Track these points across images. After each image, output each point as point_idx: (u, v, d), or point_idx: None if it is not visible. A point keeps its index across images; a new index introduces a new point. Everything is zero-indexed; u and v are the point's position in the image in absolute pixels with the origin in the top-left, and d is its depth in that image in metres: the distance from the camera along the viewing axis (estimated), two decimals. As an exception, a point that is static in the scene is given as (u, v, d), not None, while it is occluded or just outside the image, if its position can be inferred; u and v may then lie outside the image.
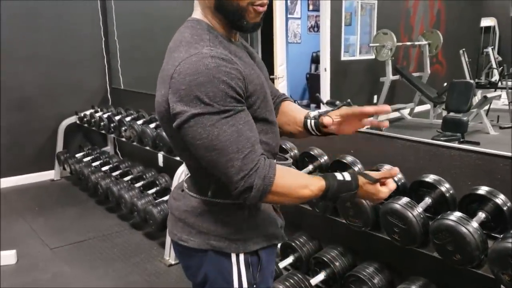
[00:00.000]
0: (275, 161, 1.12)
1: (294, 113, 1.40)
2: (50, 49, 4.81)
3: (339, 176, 1.16)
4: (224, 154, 1.04)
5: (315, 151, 2.44)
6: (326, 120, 1.31)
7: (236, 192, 1.07)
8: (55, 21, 4.81)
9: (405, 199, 1.85)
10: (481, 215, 1.74)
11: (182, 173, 2.96)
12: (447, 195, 1.89)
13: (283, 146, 2.58)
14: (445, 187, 1.91)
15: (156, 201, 3.36)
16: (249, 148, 1.05)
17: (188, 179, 1.30)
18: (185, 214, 1.25)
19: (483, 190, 1.78)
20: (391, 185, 1.18)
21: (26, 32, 4.66)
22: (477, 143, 4.69)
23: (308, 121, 1.36)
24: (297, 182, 1.12)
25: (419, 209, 1.82)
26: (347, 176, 1.16)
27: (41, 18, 4.72)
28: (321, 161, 2.41)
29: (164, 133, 1.25)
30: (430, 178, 1.95)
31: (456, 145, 2.08)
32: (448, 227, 1.65)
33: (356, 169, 2.20)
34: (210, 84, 1.02)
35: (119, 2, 4.95)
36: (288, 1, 8.09)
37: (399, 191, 2.02)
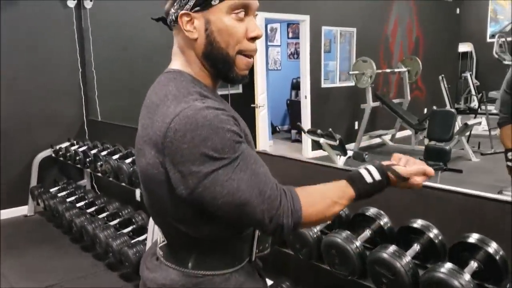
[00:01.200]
0: (294, 189, 1.03)
1: None
2: (26, 80, 4.67)
3: (367, 176, 1.09)
4: (249, 203, 0.95)
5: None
6: None
7: (269, 233, 1.02)
8: (31, 52, 4.68)
9: (392, 248, 1.76)
10: (473, 264, 1.66)
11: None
12: (436, 241, 1.81)
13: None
14: (433, 233, 1.82)
15: (132, 241, 3.22)
16: (269, 185, 0.98)
17: (164, 246, 1.16)
18: None
19: (473, 238, 1.70)
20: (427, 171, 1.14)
21: (1, 64, 4.52)
22: (460, 171, 4.66)
23: None
24: (325, 202, 1.05)
25: (408, 258, 1.72)
26: (375, 174, 1.09)
27: (17, 49, 4.59)
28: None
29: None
30: (418, 223, 1.86)
31: (443, 186, 2.01)
32: (440, 280, 1.56)
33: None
34: (216, 136, 0.92)
35: (97, 32, 4.86)
36: (268, 29, 8.11)
37: (386, 237, 1.94)
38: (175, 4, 1.05)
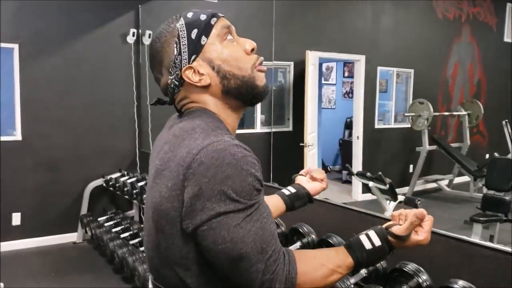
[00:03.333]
0: (292, 252, 0.98)
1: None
2: (83, 112, 4.89)
3: (366, 243, 1.04)
4: (248, 258, 0.90)
5: (304, 228, 2.39)
6: None
7: None
8: (90, 86, 4.91)
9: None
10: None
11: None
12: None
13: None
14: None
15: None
16: (273, 245, 0.93)
17: None
18: None
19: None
20: (426, 225, 1.07)
21: (61, 95, 4.77)
22: (521, 223, 4.36)
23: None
24: (322, 271, 1.00)
25: None
26: (375, 239, 1.04)
27: (77, 82, 4.83)
28: (308, 239, 2.36)
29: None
30: (460, 285, 1.71)
31: (491, 244, 1.86)
32: None
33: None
34: (238, 178, 0.89)
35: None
36: (324, 68, 8.10)
37: None
38: (170, 71, 1.05)
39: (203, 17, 1.04)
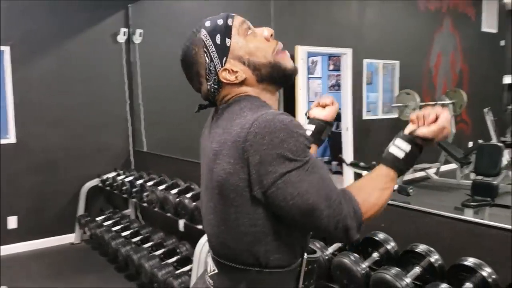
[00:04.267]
0: (348, 190, 1.09)
1: None
2: (77, 112, 4.89)
3: (399, 153, 1.15)
4: (317, 206, 1.01)
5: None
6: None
7: (335, 237, 1.07)
8: (83, 85, 4.91)
9: (444, 286, 1.72)
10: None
11: (204, 244, 2.86)
12: (490, 280, 1.76)
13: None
14: (486, 271, 1.78)
15: (177, 271, 3.25)
16: (334, 191, 1.04)
17: (214, 275, 1.19)
18: None
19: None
20: (442, 117, 1.15)
21: (54, 96, 4.76)
22: (508, 207, 4.51)
23: None
24: (375, 194, 1.11)
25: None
26: (405, 146, 1.15)
27: (70, 82, 4.83)
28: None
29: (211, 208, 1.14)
30: (470, 262, 1.82)
31: (495, 223, 1.95)
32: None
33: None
34: (292, 139, 1.00)
35: (145, 66, 5.05)
36: (309, 62, 8.19)
37: (436, 274, 1.89)
38: (208, 78, 1.15)
39: (220, 21, 1.14)
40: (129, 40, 5.14)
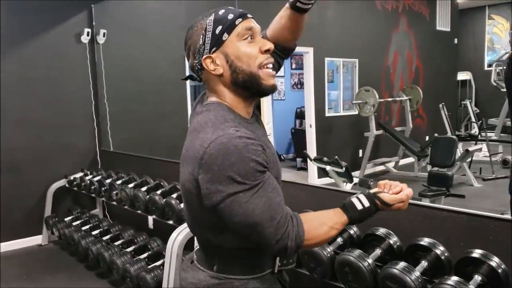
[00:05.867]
0: (299, 216, 1.21)
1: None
2: (41, 113, 4.85)
3: (358, 204, 1.27)
4: (260, 225, 1.13)
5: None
6: None
7: (273, 253, 1.26)
8: (47, 86, 4.88)
9: (402, 264, 1.88)
10: (477, 278, 1.78)
11: (176, 238, 2.95)
12: (443, 257, 1.93)
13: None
14: (440, 250, 1.95)
15: (149, 266, 3.33)
16: (280, 213, 1.15)
17: (197, 251, 1.36)
18: (191, 286, 1.31)
19: (477, 253, 1.83)
20: (405, 191, 1.31)
21: (18, 97, 4.71)
22: (462, 196, 4.78)
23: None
24: (323, 228, 1.23)
25: (417, 273, 1.85)
26: (365, 201, 1.28)
27: (33, 83, 4.80)
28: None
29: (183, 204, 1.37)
30: (425, 241, 1.99)
31: (448, 207, 2.14)
32: (447, 292, 1.68)
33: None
34: (241, 164, 1.10)
35: (109, 66, 5.07)
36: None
37: (395, 255, 2.06)
38: (196, 56, 1.25)
39: (230, 16, 1.22)
40: (93, 41, 5.15)
